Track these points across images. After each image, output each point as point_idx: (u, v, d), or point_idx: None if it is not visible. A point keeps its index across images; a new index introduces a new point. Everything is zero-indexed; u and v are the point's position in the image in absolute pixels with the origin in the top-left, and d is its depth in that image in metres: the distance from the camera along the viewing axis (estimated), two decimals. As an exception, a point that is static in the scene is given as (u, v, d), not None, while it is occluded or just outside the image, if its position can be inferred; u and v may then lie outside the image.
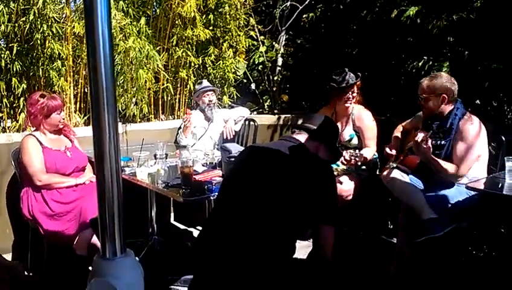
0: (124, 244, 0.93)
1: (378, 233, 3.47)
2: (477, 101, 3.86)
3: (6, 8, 3.17)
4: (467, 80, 3.37)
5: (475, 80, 3.38)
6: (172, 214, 3.91)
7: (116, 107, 0.87)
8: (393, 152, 2.86)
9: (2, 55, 3.24)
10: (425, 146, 2.47)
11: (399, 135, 3.03)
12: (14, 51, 3.24)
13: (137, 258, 0.99)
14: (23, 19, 3.26)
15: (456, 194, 2.57)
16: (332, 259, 1.74)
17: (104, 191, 0.90)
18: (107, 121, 0.87)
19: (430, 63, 3.50)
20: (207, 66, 4.25)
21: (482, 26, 3.47)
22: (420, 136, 2.57)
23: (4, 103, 3.41)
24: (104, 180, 0.90)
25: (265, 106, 4.77)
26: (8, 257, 3.03)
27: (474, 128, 2.52)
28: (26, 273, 2.62)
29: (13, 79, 3.30)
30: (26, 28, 3.25)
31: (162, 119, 4.18)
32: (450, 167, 2.52)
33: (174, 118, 4.23)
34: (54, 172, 2.74)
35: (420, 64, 3.52)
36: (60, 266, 2.74)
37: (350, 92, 3.17)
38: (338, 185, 3.09)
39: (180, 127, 3.75)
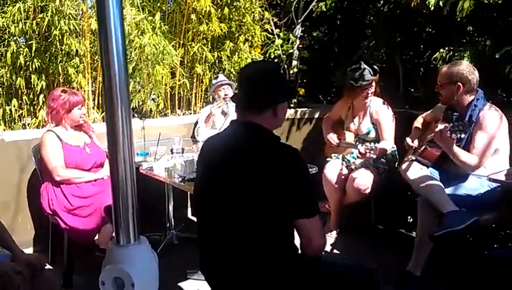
0: (138, 231, 0.93)
1: (397, 227, 3.43)
2: (500, 91, 3.75)
3: (24, 5, 3.20)
4: (489, 70, 3.28)
5: (497, 69, 3.28)
6: (189, 209, 3.93)
7: (129, 102, 0.87)
8: (415, 143, 2.81)
9: (22, 53, 3.29)
10: (448, 136, 2.40)
11: (419, 125, 2.97)
12: (33, 48, 3.29)
13: (155, 252, 0.99)
14: (41, 16, 3.29)
15: (477, 186, 2.51)
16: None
17: (117, 178, 0.90)
18: (120, 110, 0.87)
19: (451, 53, 3.41)
20: (223, 60, 4.24)
21: (507, 11, 3.36)
22: (441, 127, 2.51)
23: (24, 100, 3.47)
24: (117, 167, 0.90)
25: (282, 100, 4.74)
26: (29, 250, 3.09)
27: (494, 120, 2.46)
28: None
29: (32, 76, 3.35)
30: (44, 25, 3.28)
31: (178, 115, 4.20)
32: (470, 158, 2.46)
33: (190, 113, 4.24)
34: (74, 167, 2.77)
35: (441, 54, 3.43)
36: (81, 259, 2.78)
37: (368, 88, 3.12)
38: (355, 178, 3.06)
39: (197, 122, 3.76)
